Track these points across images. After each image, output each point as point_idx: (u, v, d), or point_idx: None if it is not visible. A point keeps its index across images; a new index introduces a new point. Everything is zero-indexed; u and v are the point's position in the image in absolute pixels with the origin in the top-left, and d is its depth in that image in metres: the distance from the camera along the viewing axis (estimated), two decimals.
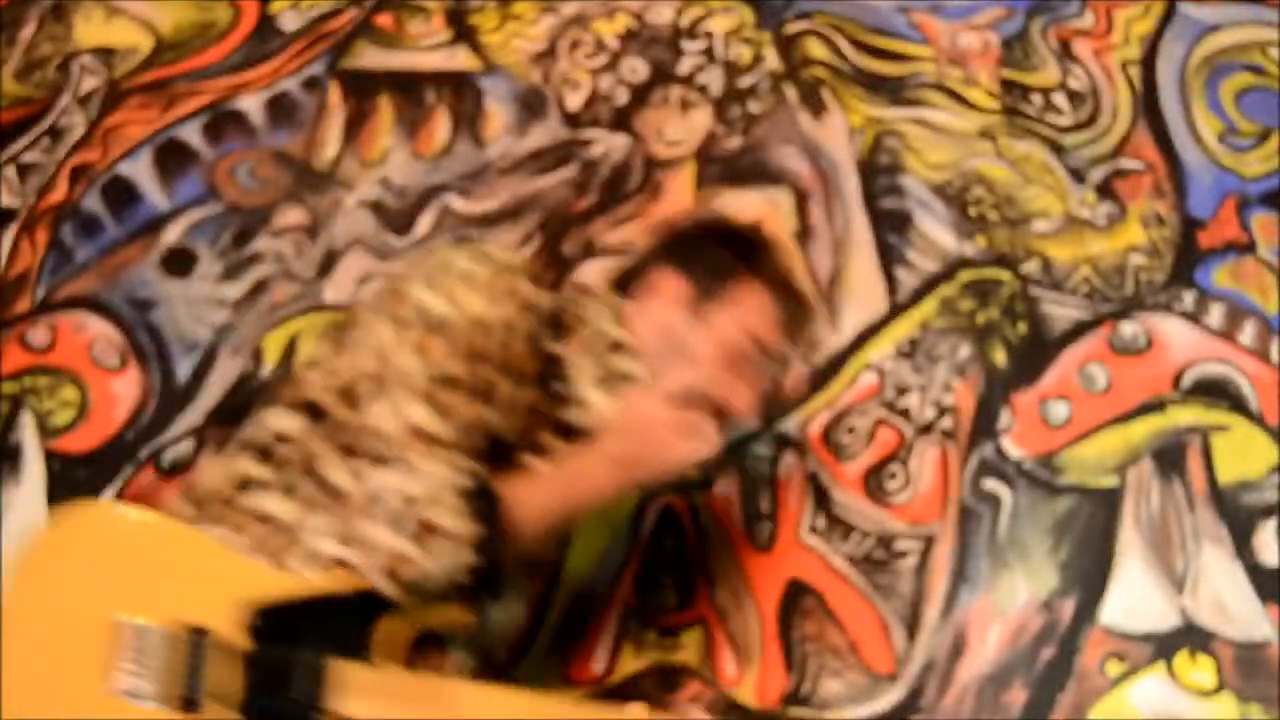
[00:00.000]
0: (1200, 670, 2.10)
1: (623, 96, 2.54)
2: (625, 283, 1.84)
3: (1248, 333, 2.30)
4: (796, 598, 2.16)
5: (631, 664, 2.15)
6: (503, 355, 1.66)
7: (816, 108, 2.51)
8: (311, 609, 1.53)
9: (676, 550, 2.21)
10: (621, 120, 2.52)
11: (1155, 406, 2.26)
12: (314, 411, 1.64)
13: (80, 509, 1.62)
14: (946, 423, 2.25)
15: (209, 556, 1.54)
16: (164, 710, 1.46)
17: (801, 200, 2.43)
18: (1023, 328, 2.32)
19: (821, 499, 2.21)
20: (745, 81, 2.54)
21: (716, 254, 1.83)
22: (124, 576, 1.53)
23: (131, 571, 1.54)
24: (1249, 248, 2.37)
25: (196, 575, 1.54)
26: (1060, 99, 2.50)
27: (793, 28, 2.57)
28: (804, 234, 2.40)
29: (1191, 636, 2.11)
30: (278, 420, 1.65)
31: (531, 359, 1.71)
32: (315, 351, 1.76)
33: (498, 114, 2.53)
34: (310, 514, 1.57)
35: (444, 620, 1.63)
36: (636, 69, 2.56)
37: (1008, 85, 2.51)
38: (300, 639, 1.51)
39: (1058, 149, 2.45)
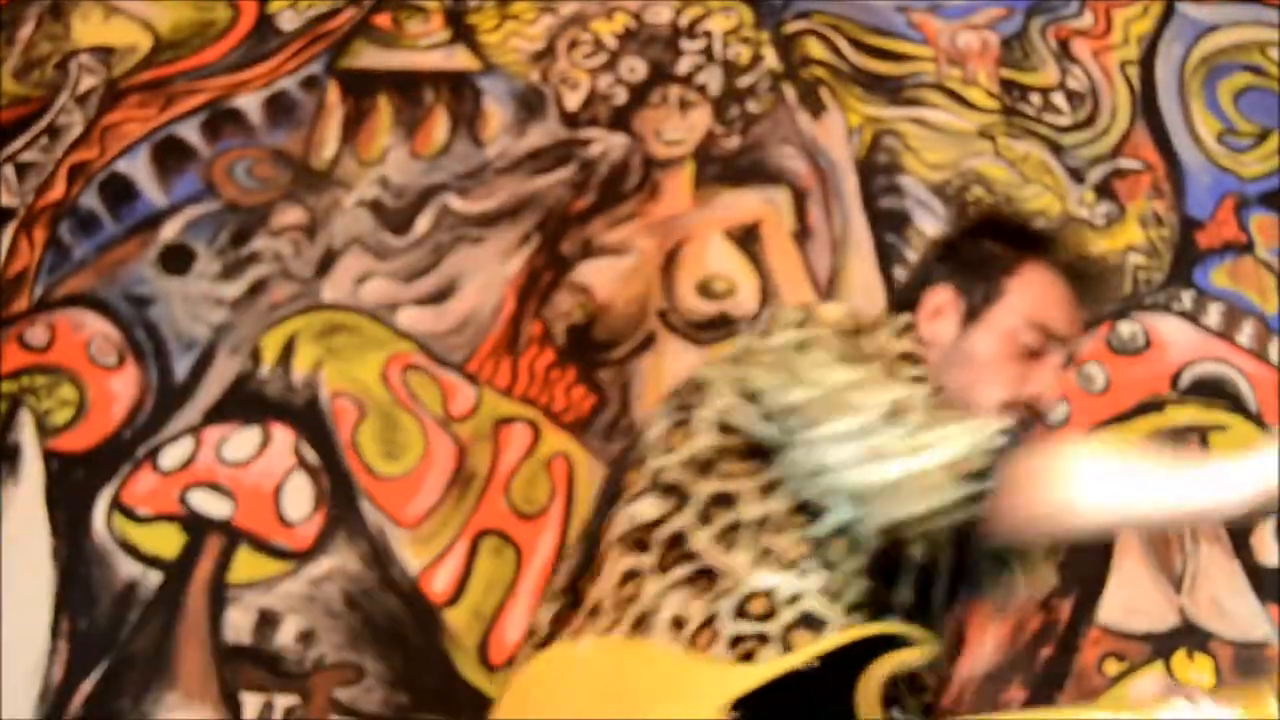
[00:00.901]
0: (1198, 669, 2.11)
1: (621, 96, 2.55)
2: (908, 305, 1.77)
3: (1246, 332, 2.32)
4: None
5: None
6: None
7: (815, 107, 2.52)
8: (789, 689, 1.48)
9: None
10: (620, 120, 2.53)
11: (1154, 406, 2.27)
12: (674, 491, 1.60)
13: (541, 658, 1.56)
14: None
15: (665, 666, 1.51)
16: None
17: (800, 199, 2.44)
18: None
19: None
20: (744, 81, 2.55)
21: (986, 252, 1.75)
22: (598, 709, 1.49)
23: (603, 703, 1.50)
24: (1247, 248, 2.39)
25: (665, 688, 1.50)
26: (1059, 99, 2.51)
27: (791, 27, 2.58)
28: (802, 233, 2.41)
29: (1190, 636, 2.13)
30: (643, 509, 1.60)
31: None
32: (653, 429, 1.69)
33: (496, 113, 2.54)
34: (714, 596, 1.53)
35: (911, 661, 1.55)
36: (635, 69, 2.57)
37: (1007, 85, 2.53)
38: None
39: (1056, 149, 2.47)
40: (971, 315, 1.70)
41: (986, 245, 1.76)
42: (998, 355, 1.68)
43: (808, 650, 1.47)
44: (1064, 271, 1.73)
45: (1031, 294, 1.70)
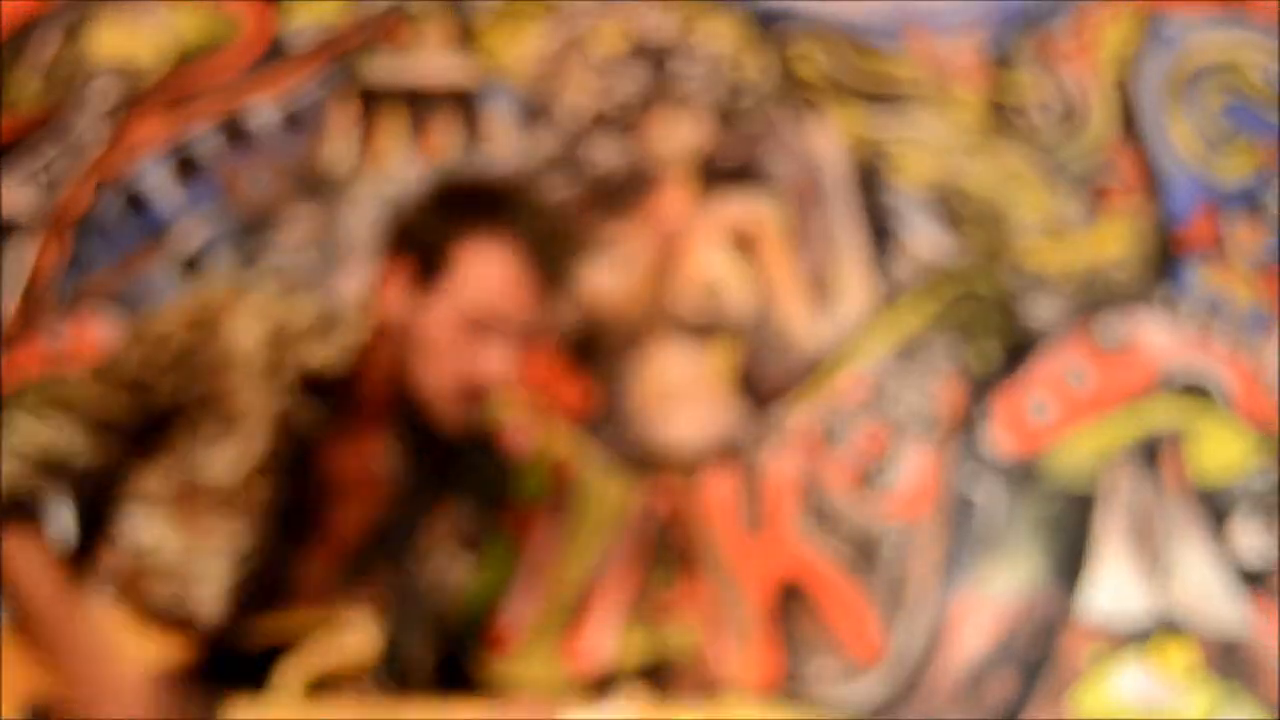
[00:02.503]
0: (1179, 659, 2.13)
1: (622, 106, 2.57)
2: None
3: (1224, 332, 2.34)
4: (787, 591, 2.20)
5: (626, 650, 2.19)
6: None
7: (809, 117, 2.54)
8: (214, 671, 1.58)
9: (670, 540, 2.25)
10: (621, 129, 2.55)
11: (1135, 405, 2.30)
12: None
13: None
14: (933, 422, 2.29)
15: None
16: None
17: (794, 206, 2.47)
18: (1006, 330, 2.36)
19: (811, 495, 2.26)
20: (741, 90, 2.56)
21: (439, 220, 1.75)
22: None
23: None
24: (1224, 250, 2.40)
25: None
26: (1043, 110, 2.52)
27: (786, 39, 2.59)
28: (795, 239, 2.43)
29: (1171, 627, 2.16)
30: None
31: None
32: None
33: (501, 123, 2.56)
34: None
35: (341, 661, 1.61)
36: (635, 78, 2.59)
37: (993, 97, 2.53)
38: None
39: (1043, 159, 2.48)
40: (422, 287, 1.70)
41: (441, 212, 1.75)
42: (446, 334, 1.68)
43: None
44: (519, 240, 1.71)
45: (480, 268, 1.69)
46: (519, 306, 1.70)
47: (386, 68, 2.63)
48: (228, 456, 1.64)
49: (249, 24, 2.68)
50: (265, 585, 1.65)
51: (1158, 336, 2.35)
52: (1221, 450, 2.26)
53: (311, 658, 1.58)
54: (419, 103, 2.60)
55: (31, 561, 1.59)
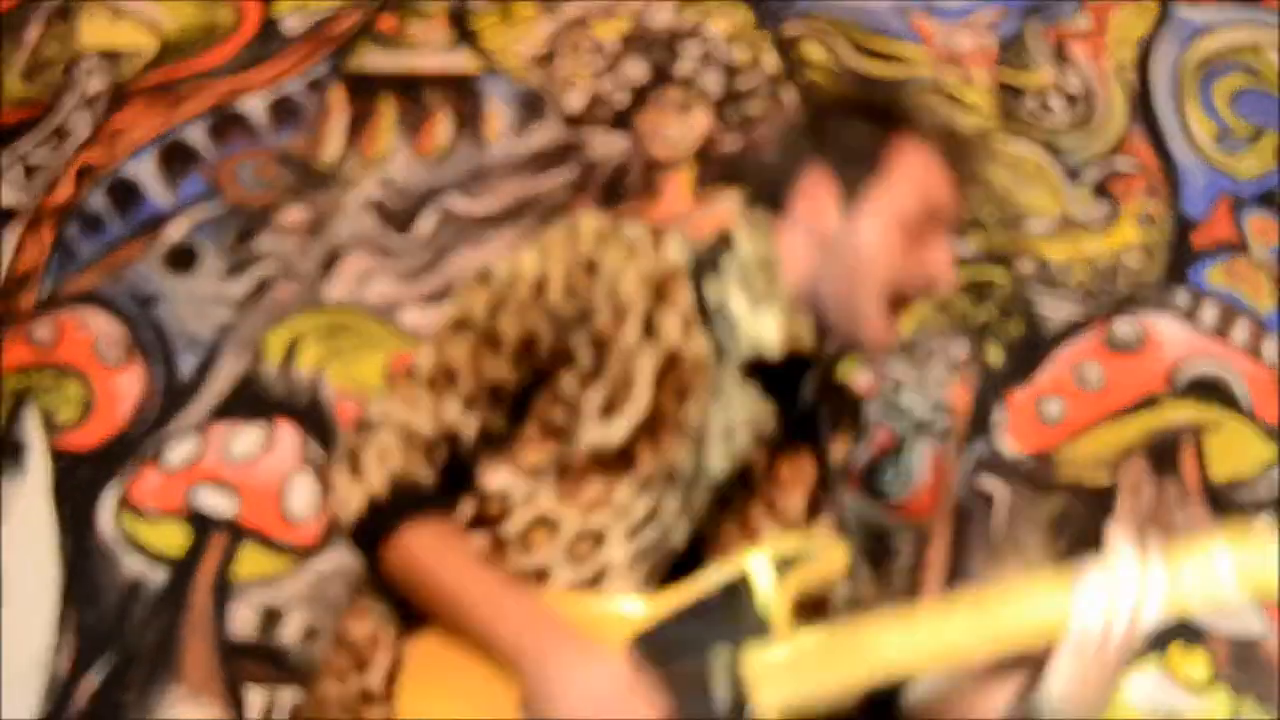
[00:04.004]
0: (1194, 664, 2.12)
1: (622, 98, 2.55)
2: (768, 196, 1.61)
3: (1240, 331, 2.32)
4: None
5: None
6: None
7: None
8: (693, 615, 1.46)
9: None
10: (621, 121, 2.53)
11: (1149, 404, 2.28)
12: None
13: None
14: (942, 421, 2.27)
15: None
16: None
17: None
18: (1018, 327, 2.34)
19: None
20: (744, 83, 2.55)
21: (856, 130, 1.59)
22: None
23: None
24: (1242, 247, 2.39)
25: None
26: (1055, 100, 2.51)
27: (791, 29, 2.58)
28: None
29: (1186, 631, 2.13)
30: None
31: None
32: None
33: (498, 115, 2.54)
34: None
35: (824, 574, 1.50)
36: (636, 70, 2.58)
37: (1003, 86, 2.52)
38: (696, 647, 1.44)
39: (1053, 149, 2.47)
40: (850, 199, 1.55)
41: (855, 122, 1.60)
42: (887, 239, 1.54)
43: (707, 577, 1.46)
44: (940, 144, 1.59)
45: (914, 170, 1.56)
46: (951, 201, 1.58)
47: (380, 58, 2.62)
48: (616, 414, 1.50)
49: (240, 13, 2.68)
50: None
51: (1173, 335, 2.33)
52: (1238, 450, 2.25)
53: (796, 576, 1.47)
54: (413, 93, 2.58)
55: (440, 553, 1.47)
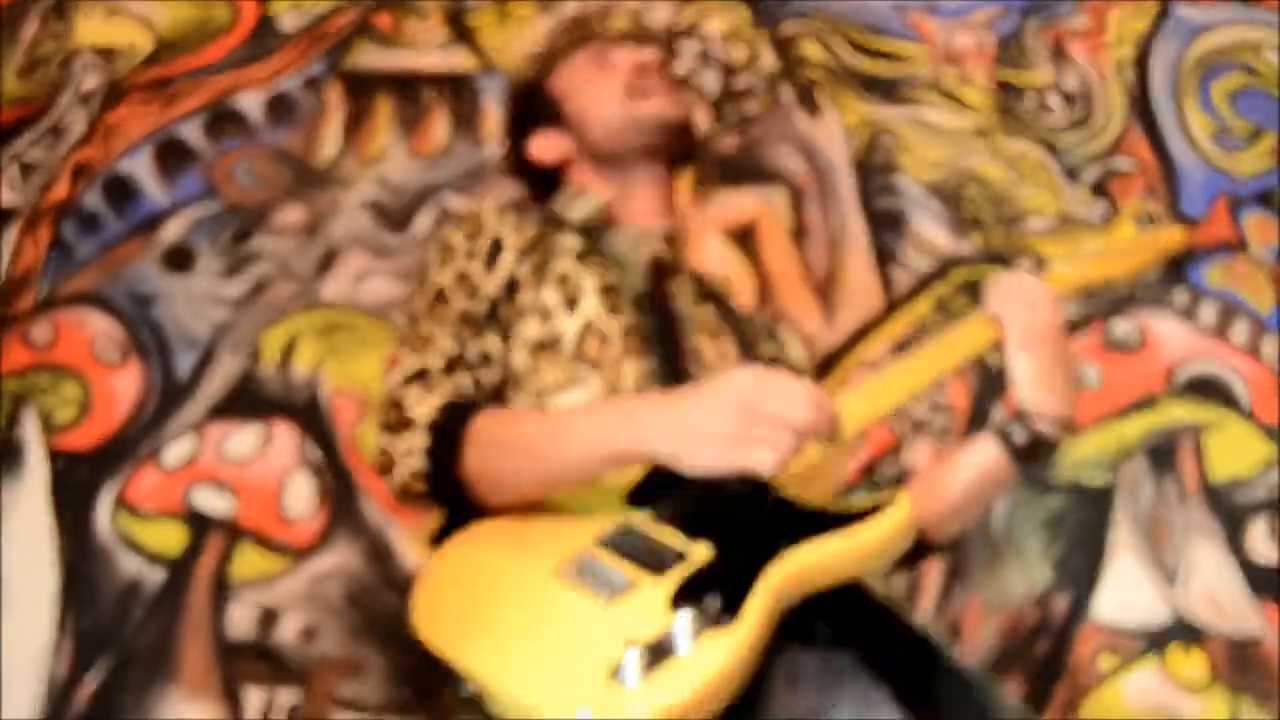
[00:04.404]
0: (1192, 664, 2.12)
1: None
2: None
3: (1239, 331, 2.32)
4: None
5: None
6: None
7: (812, 108, 2.52)
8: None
9: None
10: None
11: (1148, 404, 2.27)
12: None
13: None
14: (941, 420, 2.27)
15: None
16: None
17: (797, 199, 2.44)
18: None
19: None
20: (741, 82, 2.55)
21: (523, 98, 1.96)
22: None
23: None
24: (1241, 247, 2.38)
25: None
26: (1054, 98, 2.51)
27: (789, 28, 2.58)
28: (800, 233, 2.41)
29: (1184, 631, 2.14)
30: None
31: None
32: None
33: (495, 114, 2.53)
34: None
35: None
36: None
37: (1002, 85, 2.52)
38: None
39: (1051, 148, 2.46)
40: (566, 133, 1.87)
41: (519, 97, 1.96)
42: (585, 92, 1.85)
43: None
44: (569, 33, 1.92)
45: (574, 69, 1.89)
46: (625, 44, 1.93)
47: (376, 56, 2.61)
48: (572, 305, 1.68)
49: (236, 11, 2.67)
50: None
51: (1172, 334, 2.33)
52: (1236, 449, 2.25)
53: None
54: (410, 91, 2.58)
55: (518, 418, 1.59)
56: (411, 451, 1.54)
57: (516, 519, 1.50)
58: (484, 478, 1.51)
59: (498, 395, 1.66)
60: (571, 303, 1.67)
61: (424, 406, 1.57)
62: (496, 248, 1.73)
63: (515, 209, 1.81)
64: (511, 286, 1.70)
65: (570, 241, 1.74)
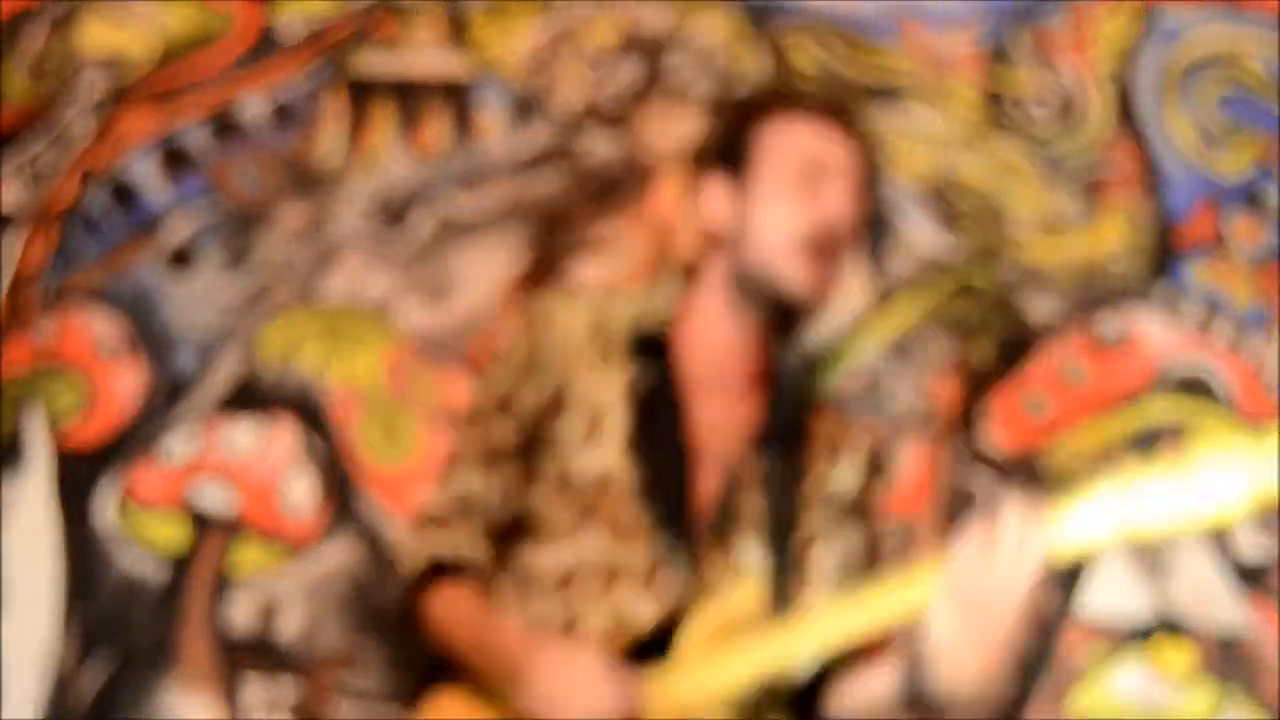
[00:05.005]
0: (1178, 658, 2.13)
1: (616, 100, 2.56)
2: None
3: (1222, 329, 2.33)
4: None
5: None
6: None
7: None
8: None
9: None
10: (615, 122, 2.54)
11: (1132, 401, 2.29)
12: None
13: None
14: (928, 419, 2.28)
15: None
16: None
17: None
18: (1003, 326, 2.35)
19: None
20: (736, 86, 2.55)
21: (728, 127, 1.77)
22: None
23: None
24: (1223, 246, 2.39)
25: None
26: (1040, 103, 2.51)
27: (781, 34, 2.58)
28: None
29: (1169, 625, 2.15)
30: None
31: None
32: None
33: (493, 117, 2.54)
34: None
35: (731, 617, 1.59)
36: (629, 74, 2.58)
37: (989, 90, 2.52)
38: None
39: (1038, 152, 2.47)
40: (738, 184, 1.70)
41: (728, 122, 1.79)
42: (775, 199, 1.67)
43: None
44: (811, 109, 1.73)
45: (784, 133, 1.70)
46: (833, 148, 1.70)
47: (377, 61, 2.62)
48: (595, 447, 1.65)
49: (238, 17, 2.68)
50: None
51: (1156, 333, 2.34)
52: (1221, 447, 2.24)
53: (703, 620, 1.57)
54: (410, 96, 2.58)
55: (465, 607, 1.65)
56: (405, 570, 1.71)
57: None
58: (431, 634, 1.68)
59: None
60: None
61: (425, 545, 1.69)
62: None
63: None
64: None
65: None
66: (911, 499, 2.23)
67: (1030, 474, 2.26)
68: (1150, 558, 2.18)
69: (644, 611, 1.58)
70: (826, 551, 1.68)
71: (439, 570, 1.65)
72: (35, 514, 2.29)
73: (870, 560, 1.71)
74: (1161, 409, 2.28)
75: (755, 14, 2.60)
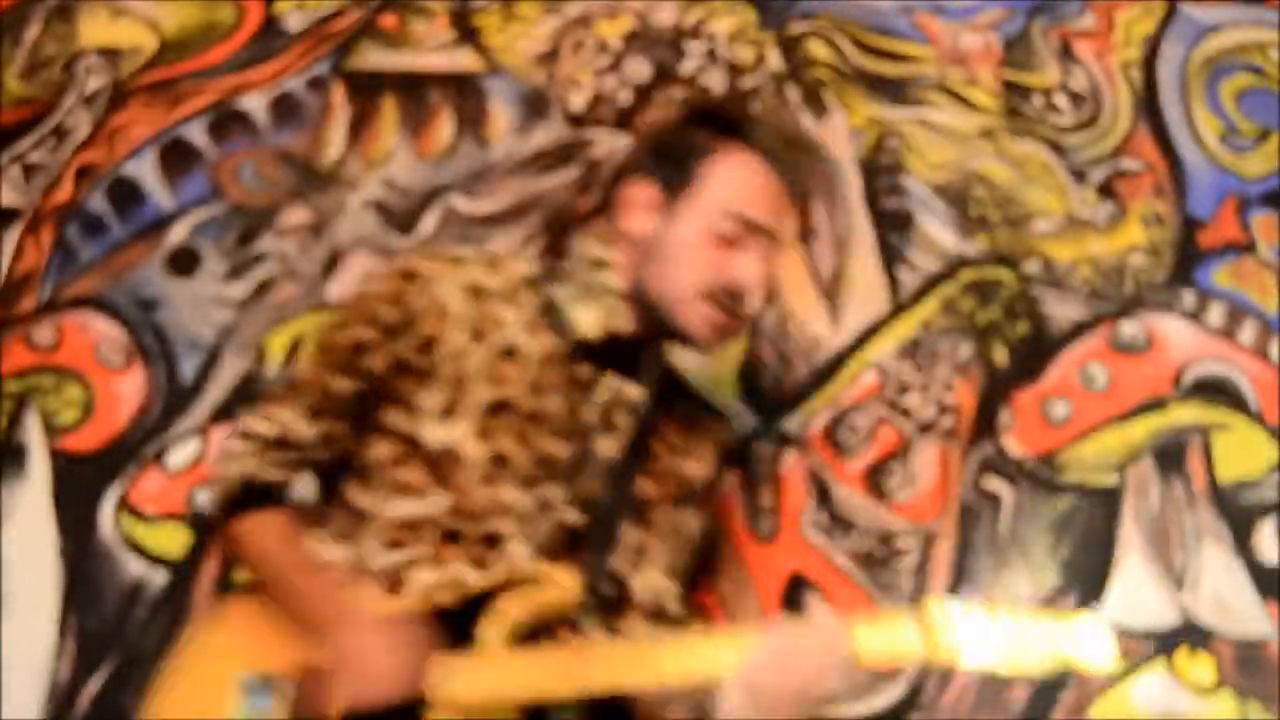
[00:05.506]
0: (1200, 667, 2.11)
1: (625, 97, 2.54)
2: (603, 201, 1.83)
3: (1247, 332, 2.31)
4: (798, 593, 2.16)
5: None
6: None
7: (818, 108, 2.51)
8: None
9: None
10: (624, 120, 2.52)
11: (1155, 405, 2.26)
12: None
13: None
14: (947, 421, 2.26)
15: None
16: None
17: (804, 200, 2.43)
18: (1023, 327, 2.33)
19: (823, 496, 2.22)
20: (748, 82, 2.54)
21: (683, 141, 1.77)
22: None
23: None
24: (1249, 247, 2.37)
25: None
26: (1061, 99, 2.50)
27: (795, 28, 2.57)
28: (806, 234, 2.40)
29: (1191, 634, 2.13)
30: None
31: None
32: None
33: (501, 114, 2.53)
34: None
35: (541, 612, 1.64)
36: (639, 70, 2.56)
37: (1009, 85, 2.51)
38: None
39: (1058, 149, 2.45)
40: (669, 205, 1.72)
41: (686, 133, 1.77)
42: (695, 243, 1.69)
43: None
44: (766, 155, 1.73)
45: (728, 179, 1.71)
46: (770, 214, 1.72)
47: (381, 56, 2.61)
48: (450, 420, 1.68)
49: (241, 11, 2.67)
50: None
51: (1179, 335, 2.32)
52: (1244, 451, 2.23)
53: (511, 610, 1.61)
54: (415, 92, 2.57)
55: (271, 539, 1.70)
56: (216, 485, 1.77)
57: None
58: (239, 556, 1.79)
59: None
60: None
61: (237, 467, 1.76)
62: None
63: None
64: None
65: None
66: (929, 503, 2.21)
67: (1051, 478, 2.23)
68: (1172, 562, 2.16)
69: (472, 579, 1.63)
70: (660, 553, 1.75)
71: (252, 496, 1.72)
72: (35, 519, 2.27)
73: (707, 551, 1.83)
74: (1184, 414, 2.26)
75: (768, 8, 2.60)
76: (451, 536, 1.65)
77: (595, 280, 1.76)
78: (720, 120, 1.79)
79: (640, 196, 1.75)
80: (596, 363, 1.73)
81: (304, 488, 1.80)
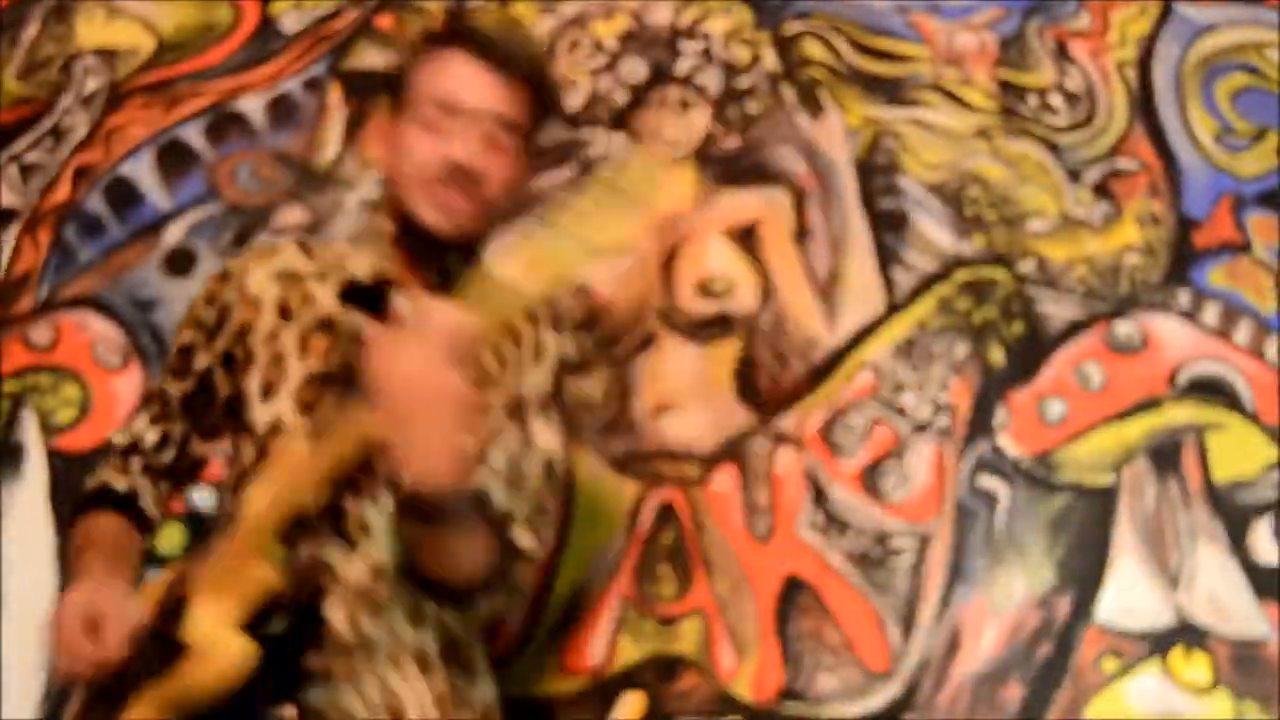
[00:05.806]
0: (1196, 667, 2.10)
1: (621, 97, 2.54)
2: None
3: (1243, 332, 2.30)
4: (794, 593, 2.16)
5: (629, 654, 2.16)
6: None
7: (814, 108, 2.51)
8: None
9: (675, 542, 2.22)
10: (620, 120, 2.52)
11: (1151, 405, 2.26)
12: None
13: None
14: (943, 421, 2.26)
15: None
16: None
17: (799, 200, 2.43)
18: (1019, 327, 2.32)
19: (818, 496, 2.22)
20: (743, 82, 2.54)
21: (402, 64, 1.82)
22: None
23: None
24: (1244, 247, 2.36)
25: None
26: (1056, 99, 2.49)
27: (791, 28, 2.57)
28: (802, 234, 2.40)
29: (1187, 634, 2.12)
30: None
31: None
32: None
33: None
34: None
35: None
36: (635, 69, 2.56)
37: (1004, 85, 2.50)
38: None
39: (1054, 149, 2.45)
40: (395, 122, 1.76)
41: (405, 56, 1.84)
42: (410, 138, 1.71)
43: None
44: (473, 47, 1.74)
45: (430, 73, 1.74)
46: (478, 97, 1.72)
47: (377, 57, 2.61)
48: (273, 398, 1.72)
49: (238, 12, 2.67)
50: None
51: (1175, 335, 2.31)
52: (1240, 451, 2.23)
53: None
54: None
55: (83, 538, 1.77)
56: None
57: None
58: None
59: None
60: None
61: (98, 474, 1.83)
62: None
63: None
64: None
65: None
66: (925, 502, 2.21)
67: (1045, 477, 2.23)
68: (1168, 562, 2.16)
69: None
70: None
71: (97, 500, 1.79)
72: (31, 518, 2.28)
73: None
74: (1180, 413, 2.25)
75: (764, 8, 2.59)
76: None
77: (370, 225, 1.84)
78: (427, 40, 1.83)
79: (376, 127, 1.89)
80: (369, 307, 1.74)
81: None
